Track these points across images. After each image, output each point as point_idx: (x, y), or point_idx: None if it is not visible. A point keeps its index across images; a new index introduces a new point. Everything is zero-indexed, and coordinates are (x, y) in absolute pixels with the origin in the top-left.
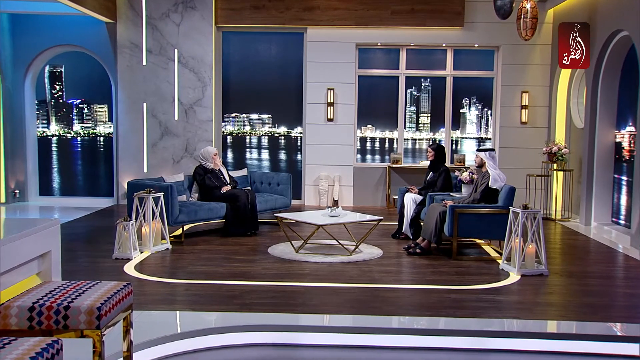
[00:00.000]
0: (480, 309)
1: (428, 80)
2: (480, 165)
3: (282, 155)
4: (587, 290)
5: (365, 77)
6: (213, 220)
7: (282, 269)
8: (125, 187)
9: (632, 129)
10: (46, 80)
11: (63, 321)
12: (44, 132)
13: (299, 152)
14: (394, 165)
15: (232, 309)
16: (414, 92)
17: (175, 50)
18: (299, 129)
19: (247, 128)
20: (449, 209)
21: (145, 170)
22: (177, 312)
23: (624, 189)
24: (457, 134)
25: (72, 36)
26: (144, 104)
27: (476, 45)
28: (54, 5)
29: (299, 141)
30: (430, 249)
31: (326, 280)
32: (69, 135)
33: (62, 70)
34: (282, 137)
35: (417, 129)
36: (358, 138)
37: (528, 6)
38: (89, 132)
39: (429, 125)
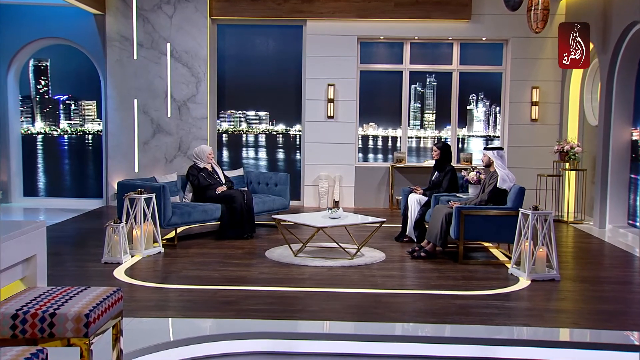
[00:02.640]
0: (488, 315)
1: (433, 75)
2: (488, 164)
3: (280, 154)
4: (601, 297)
5: (368, 73)
6: (208, 223)
7: (280, 274)
8: (115, 187)
9: None
10: (30, 75)
11: (49, 329)
12: (28, 129)
13: (297, 151)
14: (398, 165)
15: (227, 316)
16: (418, 88)
17: (168, 44)
18: (297, 127)
19: (244, 126)
20: (455, 211)
21: (136, 170)
22: (170, 319)
23: None
24: (463, 131)
25: (59, 28)
26: (135, 101)
27: (484, 39)
28: None
29: (297, 139)
30: (435, 253)
31: (326, 285)
32: (55, 133)
33: (48, 64)
34: (280, 135)
35: (422, 126)
36: (360, 136)
37: None
38: (76, 130)
39: (434, 122)
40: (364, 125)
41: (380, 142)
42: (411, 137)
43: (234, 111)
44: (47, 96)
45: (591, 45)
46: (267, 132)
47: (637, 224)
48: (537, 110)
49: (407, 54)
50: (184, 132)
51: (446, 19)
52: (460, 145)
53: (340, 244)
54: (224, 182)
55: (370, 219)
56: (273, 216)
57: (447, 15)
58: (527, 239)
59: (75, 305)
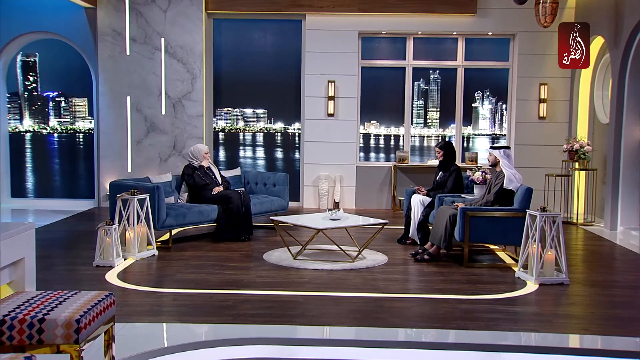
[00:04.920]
0: (494, 320)
1: (437, 71)
2: (494, 164)
3: (279, 154)
4: (612, 301)
5: (369, 69)
6: (203, 224)
7: (278, 277)
8: (107, 188)
9: None
10: (18, 71)
11: (37, 335)
12: (16, 127)
13: (297, 150)
14: (400, 164)
15: (224, 321)
16: (421, 85)
17: (162, 39)
18: (297, 125)
19: (241, 124)
20: (459, 212)
21: (129, 170)
22: (164, 324)
23: None
24: (468, 130)
25: (48, 22)
26: (128, 98)
27: (490, 34)
28: None
29: (297, 138)
30: (439, 255)
31: (326, 289)
32: (44, 131)
33: (36, 59)
34: (279, 134)
35: (425, 124)
36: (361, 135)
37: None
38: (67, 128)
39: (438, 120)
40: (366, 123)
41: (382, 141)
42: (414, 136)
43: (230, 109)
44: (35, 93)
45: (599, 42)
46: (265, 131)
47: None
48: (545, 108)
49: (410, 49)
50: (179, 131)
51: (451, 13)
52: (465, 144)
53: (340, 247)
54: (220, 182)
55: (372, 220)
56: (271, 217)
57: (452, 9)
58: (534, 241)
59: (66, 311)
